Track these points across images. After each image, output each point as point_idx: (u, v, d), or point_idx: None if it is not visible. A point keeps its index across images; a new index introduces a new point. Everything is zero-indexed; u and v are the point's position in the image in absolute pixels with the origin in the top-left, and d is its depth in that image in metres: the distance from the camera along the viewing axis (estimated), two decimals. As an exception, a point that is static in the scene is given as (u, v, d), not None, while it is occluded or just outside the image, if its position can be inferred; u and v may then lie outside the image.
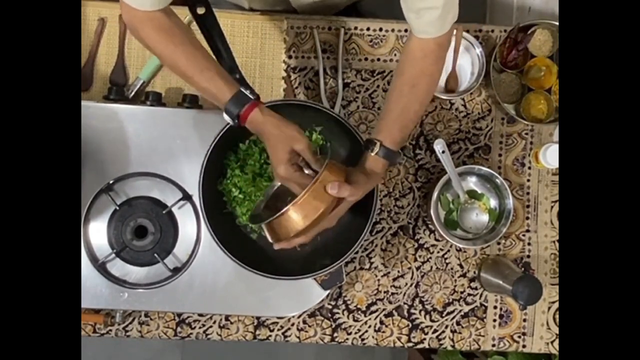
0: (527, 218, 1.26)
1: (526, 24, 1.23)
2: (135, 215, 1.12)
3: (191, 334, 1.21)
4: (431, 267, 1.24)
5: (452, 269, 1.24)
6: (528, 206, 1.26)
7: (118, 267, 1.12)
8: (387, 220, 1.24)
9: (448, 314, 1.24)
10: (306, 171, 0.93)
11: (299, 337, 1.23)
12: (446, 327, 1.24)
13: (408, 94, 0.97)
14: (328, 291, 1.13)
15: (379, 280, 1.23)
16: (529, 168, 1.27)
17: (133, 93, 1.21)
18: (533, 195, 1.26)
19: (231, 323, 1.21)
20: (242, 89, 0.91)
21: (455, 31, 1.18)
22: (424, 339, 1.24)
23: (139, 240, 1.12)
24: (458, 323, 1.24)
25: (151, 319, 1.20)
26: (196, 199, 1.08)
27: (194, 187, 1.06)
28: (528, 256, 1.26)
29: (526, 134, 1.27)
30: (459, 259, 1.25)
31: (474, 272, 1.25)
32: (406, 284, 1.24)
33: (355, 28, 1.25)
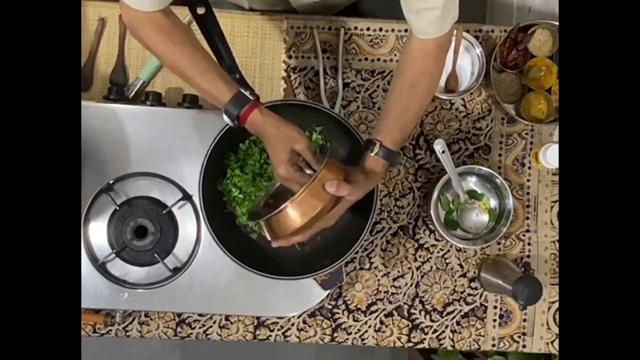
0: (527, 218, 1.26)
1: (526, 24, 1.23)
2: (135, 215, 1.12)
3: (191, 334, 1.21)
4: (431, 267, 1.24)
5: (452, 269, 1.24)
6: (528, 206, 1.26)
7: (118, 267, 1.12)
8: (387, 220, 1.24)
9: (448, 314, 1.24)
10: (307, 171, 0.93)
11: (299, 337, 1.23)
12: (446, 327, 1.24)
13: (408, 94, 0.97)
14: (328, 291, 1.13)
15: (379, 280, 1.23)
16: (529, 168, 1.27)
17: (133, 93, 1.21)
18: (533, 195, 1.26)
19: (231, 323, 1.21)
20: (242, 90, 0.91)
21: (455, 31, 1.18)
22: (424, 339, 1.24)
23: (139, 240, 1.12)
24: (458, 323, 1.24)
25: (151, 319, 1.20)
26: (196, 199, 1.08)
27: (194, 187, 1.06)
28: (528, 256, 1.26)
29: (526, 134, 1.27)
30: (459, 259, 1.25)
31: (474, 272, 1.25)
32: (406, 284, 1.24)
33: (355, 28, 1.25)
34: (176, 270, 1.12)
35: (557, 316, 1.25)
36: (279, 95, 1.24)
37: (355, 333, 1.23)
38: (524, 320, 1.25)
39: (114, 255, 1.11)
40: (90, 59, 1.22)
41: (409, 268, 1.24)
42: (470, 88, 1.23)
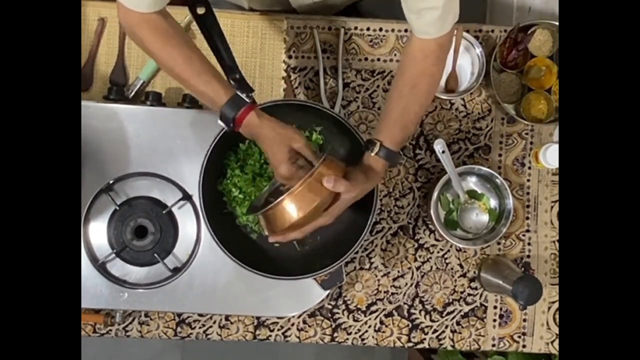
0: (527, 218, 1.26)
1: (526, 24, 1.23)
2: (135, 215, 1.12)
3: (191, 334, 1.21)
4: (431, 267, 1.24)
5: (452, 269, 1.24)
6: (528, 206, 1.26)
7: (118, 267, 1.12)
8: (387, 220, 1.24)
9: (448, 314, 1.24)
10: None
11: (299, 337, 1.23)
12: (446, 327, 1.24)
13: (408, 94, 0.97)
14: (328, 291, 1.13)
15: (379, 280, 1.23)
16: (529, 168, 1.27)
17: (133, 93, 1.20)
18: (533, 195, 1.26)
19: (231, 323, 1.21)
20: (239, 93, 0.91)
21: (455, 31, 1.18)
22: (424, 339, 1.24)
23: (139, 240, 1.12)
24: (458, 323, 1.24)
25: (151, 319, 1.20)
26: (196, 199, 1.08)
27: (194, 187, 1.06)
28: (528, 256, 1.26)
29: (526, 134, 1.27)
30: (459, 259, 1.25)
31: (474, 272, 1.25)
32: (406, 284, 1.24)
33: (355, 28, 1.25)
34: (176, 270, 1.12)
35: (557, 316, 1.25)
36: (279, 95, 1.24)
37: (355, 333, 1.23)
38: (524, 320, 1.25)
39: (114, 255, 1.11)
40: (90, 59, 1.22)
41: (409, 268, 1.24)
42: (470, 88, 1.23)
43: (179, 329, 1.21)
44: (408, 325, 1.24)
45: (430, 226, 1.24)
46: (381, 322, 1.23)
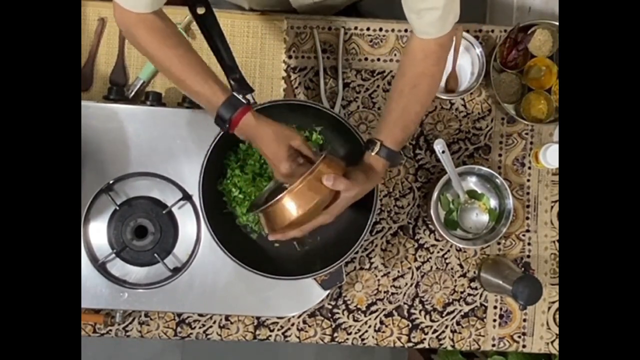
0: (527, 218, 1.26)
1: (526, 24, 1.23)
2: (135, 215, 1.12)
3: (191, 334, 1.21)
4: (431, 267, 1.24)
5: (452, 269, 1.24)
6: (528, 206, 1.26)
7: (118, 267, 1.12)
8: (387, 220, 1.24)
9: (448, 314, 1.24)
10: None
11: (299, 337, 1.23)
12: (446, 327, 1.24)
13: (409, 94, 0.97)
14: (328, 291, 1.13)
15: (379, 280, 1.23)
16: (529, 168, 1.27)
17: (133, 93, 1.21)
18: (533, 195, 1.26)
19: (231, 323, 1.21)
20: (235, 94, 0.91)
21: (455, 31, 1.18)
22: (424, 339, 1.24)
23: (139, 240, 1.12)
24: (458, 323, 1.24)
25: (151, 319, 1.20)
26: (196, 199, 1.08)
27: (194, 187, 1.06)
28: (528, 256, 1.26)
29: (526, 134, 1.27)
30: (459, 259, 1.25)
31: (474, 272, 1.25)
32: (406, 284, 1.24)
33: (355, 28, 1.25)
34: (176, 270, 1.12)
35: (557, 316, 1.25)
36: (279, 95, 1.24)
37: (355, 333, 1.23)
38: (524, 320, 1.25)
39: (114, 255, 1.11)
40: (90, 59, 1.22)
41: (409, 268, 1.24)
42: (470, 88, 1.23)
43: (179, 329, 1.21)
44: (408, 325, 1.24)
45: (430, 226, 1.24)
46: (381, 322, 1.23)
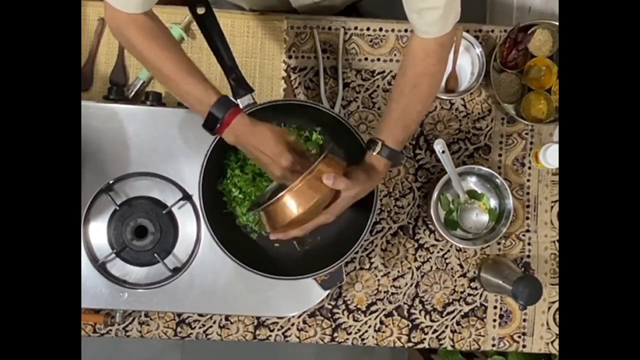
0: (527, 218, 1.26)
1: (526, 24, 1.23)
2: (135, 215, 1.12)
3: (191, 334, 1.21)
4: (431, 267, 1.24)
5: (452, 269, 1.24)
6: (528, 206, 1.26)
7: (118, 267, 1.12)
8: (387, 220, 1.24)
9: (448, 314, 1.24)
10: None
11: (299, 337, 1.23)
12: (446, 327, 1.24)
13: (409, 94, 0.97)
14: (328, 291, 1.13)
15: (379, 280, 1.23)
16: (529, 168, 1.27)
17: (133, 93, 1.21)
18: (533, 195, 1.26)
19: (231, 323, 1.21)
20: (227, 95, 0.91)
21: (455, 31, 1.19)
22: (424, 339, 1.24)
23: (139, 240, 1.12)
24: (458, 323, 1.24)
25: (151, 319, 1.20)
26: (196, 199, 1.08)
27: (194, 187, 1.06)
28: (528, 256, 1.26)
29: (526, 134, 1.27)
30: (459, 259, 1.25)
31: (474, 272, 1.25)
32: (406, 284, 1.24)
33: (355, 28, 1.25)
34: (176, 270, 1.12)
35: (557, 316, 1.25)
36: (279, 95, 1.24)
37: (355, 333, 1.23)
38: (524, 320, 1.25)
39: (114, 255, 1.11)
40: (90, 59, 1.22)
41: (409, 268, 1.24)
42: (470, 88, 1.23)
43: (179, 329, 1.21)
44: (408, 325, 1.24)
45: (430, 226, 1.24)
46: (381, 322, 1.23)
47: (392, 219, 1.24)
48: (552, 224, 1.26)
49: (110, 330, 1.20)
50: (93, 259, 1.11)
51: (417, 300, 1.24)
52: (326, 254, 1.07)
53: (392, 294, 1.23)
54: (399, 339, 1.24)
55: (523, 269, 1.25)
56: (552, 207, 1.26)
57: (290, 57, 1.24)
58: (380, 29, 1.25)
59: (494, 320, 1.25)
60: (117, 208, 1.11)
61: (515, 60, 1.24)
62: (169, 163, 1.12)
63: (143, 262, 1.12)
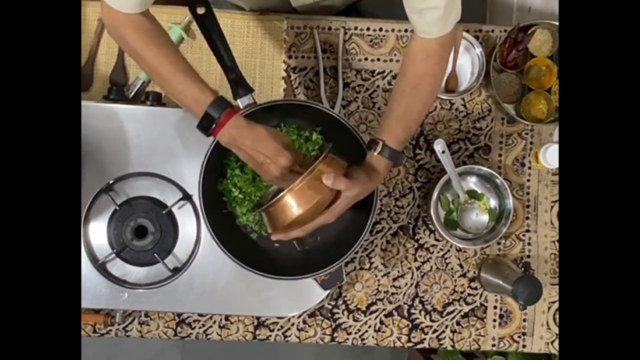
0: (527, 218, 1.26)
1: (526, 24, 1.23)
2: (135, 215, 1.12)
3: (191, 334, 1.21)
4: (431, 267, 1.24)
5: (452, 269, 1.24)
6: (528, 206, 1.26)
7: (118, 267, 1.12)
8: (387, 220, 1.24)
9: (448, 314, 1.24)
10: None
11: (299, 337, 1.23)
12: (446, 327, 1.24)
13: (410, 94, 0.97)
14: (328, 291, 1.13)
15: (379, 280, 1.23)
16: (529, 168, 1.27)
17: (133, 93, 1.21)
18: (533, 195, 1.26)
19: (231, 323, 1.21)
20: (223, 96, 0.91)
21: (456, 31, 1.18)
22: (424, 339, 1.24)
23: (139, 240, 1.12)
24: (458, 323, 1.24)
25: (151, 319, 1.20)
26: (196, 199, 1.08)
27: (194, 187, 1.06)
28: (528, 256, 1.26)
29: (526, 134, 1.27)
30: (459, 259, 1.25)
31: (474, 272, 1.25)
32: (406, 284, 1.24)
33: (355, 28, 1.25)
34: (176, 270, 1.12)
35: (557, 316, 1.25)
36: (279, 95, 1.24)
37: (355, 333, 1.23)
38: (524, 320, 1.25)
39: (114, 255, 1.11)
40: (90, 59, 1.22)
41: (409, 268, 1.24)
42: (470, 88, 1.23)
43: (179, 329, 1.21)
44: (408, 325, 1.24)
45: (430, 226, 1.24)
46: (381, 322, 1.23)
47: (392, 219, 1.24)
48: (552, 224, 1.26)
49: (110, 330, 1.20)
50: (93, 259, 1.11)
51: (417, 300, 1.24)
52: (326, 254, 1.07)
53: (392, 294, 1.23)
54: (399, 339, 1.24)
55: (523, 269, 1.25)
56: (552, 207, 1.26)
57: (290, 57, 1.24)
58: (380, 29, 1.25)
59: (494, 320, 1.25)
60: (117, 208, 1.11)
61: (515, 60, 1.24)
62: (169, 163, 1.12)
63: (143, 262, 1.12)
